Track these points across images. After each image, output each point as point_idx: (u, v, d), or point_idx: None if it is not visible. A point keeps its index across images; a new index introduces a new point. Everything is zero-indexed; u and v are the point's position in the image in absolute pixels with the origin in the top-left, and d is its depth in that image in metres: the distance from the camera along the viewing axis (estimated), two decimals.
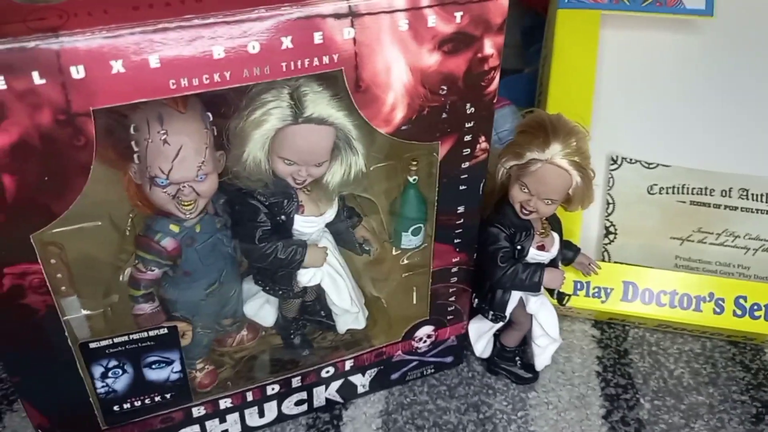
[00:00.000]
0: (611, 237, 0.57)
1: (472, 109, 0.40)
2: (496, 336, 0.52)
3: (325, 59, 0.35)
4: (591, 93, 0.58)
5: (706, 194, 0.58)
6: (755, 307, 0.52)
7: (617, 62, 0.59)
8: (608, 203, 0.58)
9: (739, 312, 0.52)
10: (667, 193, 0.58)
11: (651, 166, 0.58)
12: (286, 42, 0.33)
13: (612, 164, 0.59)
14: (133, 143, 0.36)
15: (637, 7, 0.57)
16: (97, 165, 0.33)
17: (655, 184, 0.58)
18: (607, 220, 0.58)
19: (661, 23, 0.58)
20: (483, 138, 0.41)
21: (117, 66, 0.31)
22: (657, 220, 0.58)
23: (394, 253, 0.48)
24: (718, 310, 0.53)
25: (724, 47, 0.58)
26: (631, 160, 0.59)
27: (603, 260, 0.56)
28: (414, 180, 0.44)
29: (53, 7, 0.31)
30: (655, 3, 0.57)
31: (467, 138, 0.41)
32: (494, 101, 0.40)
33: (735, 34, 0.58)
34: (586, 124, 0.57)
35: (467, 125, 0.40)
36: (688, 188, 0.58)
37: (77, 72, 0.30)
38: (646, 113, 0.59)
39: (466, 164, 0.42)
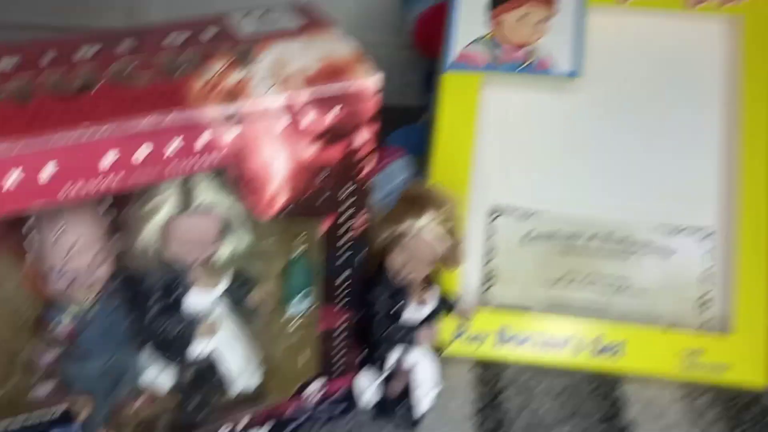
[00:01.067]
0: (491, 282, 0.63)
1: (349, 190, 0.44)
2: (383, 384, 0.57)
3: (210, 158, 0.38)
4: (471, 150, 0.63)
5: (575, 239, 0.65)
6: (610, 346, 0.59)
7: (497, 121, 0.65)
8: (488, 251, 0.64)
9: (596, 350, 0.59)
10: (541, 239, 0.65)
11: (528, 215, 0.65)
12: (173, 146, 0.36)
13: (492, 214, 0.64)
14: (28, 238, 0.38)
15: (513, 70, 0.63)
16: None
17: (531, 232, 0.64)
18: (487, 266, 0.63)
19: (535, 85, 0.64)
20: (361, 213, 0.46)
21: (11, 179, 0.33)
22: (532, 265, 0.64)
23: (284, 317, 0.51)
24: (579, 349, 0.59)
25: (590, 106, 0.65)
26: (509, 209, 0.65)
27: (483, 305, 0.62)
28: (299, 252, 0.48)
29: None
30: (529, 67, 0.63)
31: (346, 215, 0.45)
32: (369, 182, 0.44)
33: (599, 94, 0.65)
34: (467, 179, 0.64)
35: (345, 204, 0.44)
36: (559, 234, 0.65)
37: None
38: (523, 167, 0.65)
39: (347, 237, 0.46)
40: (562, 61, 0.63)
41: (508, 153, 0.65)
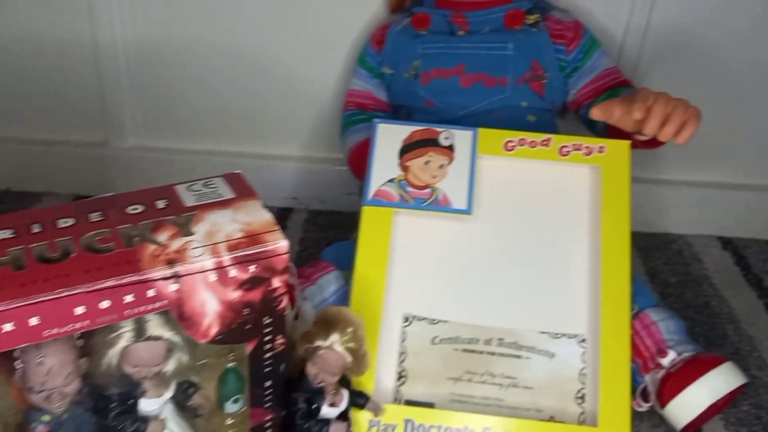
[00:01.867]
0: (403, 380, 0.76)
1: (269, 320, 0.57)
2: None
3: (158, 304, 0.51)
4: (386, 267, 0.77)
5: (473, 343, 0.77)
6: None
7: (407, 244, 0.78)
8: (401, 353, 0.76)
9: None
10: (445, 343, 0.77)
11: (434, 322, 0.78)
12: (129, 298, 0.50)
13: (405, 321, 0.77)
14: (17, 362, 0.51)
15: (419, 206, 0.78)
16: None
17: (437, 336, 0.77)
18: (400, 366, 0.76)
19: (438, 215, 0.78)
20: (279, 336, 0.59)
21: (7, 327, 0.46)
22: (438, 364, 0.76)
23: (221, 415, 0.63)
24: None
25: (482, 232, 0.79)
26: (419, 317, 0.77)
27: (396, 400, 0.74)
28: (232, 365, 0.61)
29: None
30: (432, 203, 0.78)
31: (267, 338, 0.58)
32: (284, 314, 0.58)
33: (489, 222, 0.79)
34: (381, 292, 0.77)
35: (266, 330, 0.57)
36: (461, 338, 0.77)
37: None
38: (431, 281, 0.78)
39: (269, 355, 0.59)
40: (458, 199, 0.77)
41: (416, 270, 0.78)
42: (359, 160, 0.88)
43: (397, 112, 0.95)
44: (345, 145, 0.95)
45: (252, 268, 0.54)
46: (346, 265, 0.84)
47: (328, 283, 0.81)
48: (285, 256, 0.55)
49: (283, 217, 1.13)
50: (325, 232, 1.09)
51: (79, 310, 0.48)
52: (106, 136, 1.11)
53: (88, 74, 1.06)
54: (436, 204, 0.78)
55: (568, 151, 0.80)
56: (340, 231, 1.10)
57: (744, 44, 1.02)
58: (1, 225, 0.52)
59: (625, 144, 0.79)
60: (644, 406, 0.77)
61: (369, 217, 0.78)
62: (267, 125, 1.11)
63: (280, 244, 0.54)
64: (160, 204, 0.56)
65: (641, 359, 0.77)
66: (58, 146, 1.11)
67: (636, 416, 0.76)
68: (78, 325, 0.49)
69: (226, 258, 0.52)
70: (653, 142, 0.79)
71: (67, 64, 1.06)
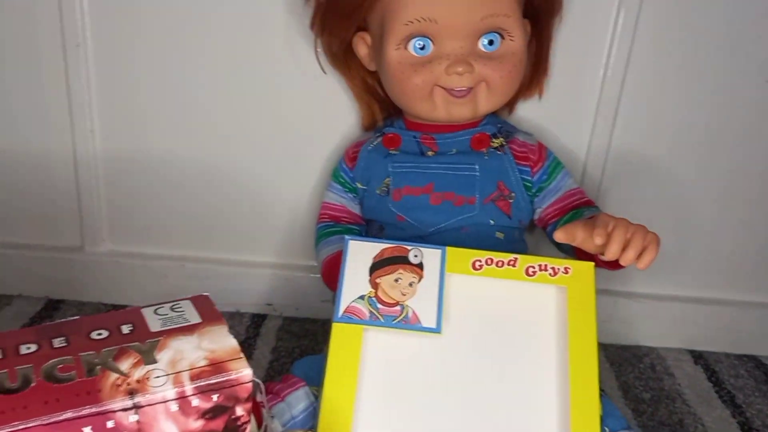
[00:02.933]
0: None
1: None
2: None
3: None
4: (355, 382, 0.76)
5: None
6: None
7: (376, 359, 0.78)
8: None
9: None
10: None
11: None
12: (87, 430, 0.49)
13: None
14: None
15: (389, 323, 0.78)
16: None
17: None
18: None
19: (406, 332, 0.79)
20: None
21: None
22: None
23: None
24: None
25: (451, 349, 0.79)
26: None
27: None
28: None
29: None
30: (402, 321, 0.78)
31: None
32: None
33: (457, 339, 0.79)
34: (351, 409, 0.76)
35: None
36: None
37: None
38: (399, 396, 0.77)
39: None
40: (427, 317, 0.78)
41: (387, 388, 0.78)
42: (332, 273, 0.89)
43: (369, 226, 0.97)
44: (319, 257, 0.97)
45: (215, 398, 0.54)
46: (316, 381, 0.83)
47: (297, 400, 0.80)
48: (248, 384, 0.55)
49: (256, 324, 1.12)
50: (299, 341, 1.09)
51: None
52: (82, 241, 1.11)
53: (67, 182, 1.08)
54: (406, 322, 0.79)
55: (535, 272, 0.81)
56: (314, 339, 1.10)
57: (704, 166, 1.07)
58: None
59: (590, 265, 0.82)
60: None
61: (339, 334, 0.78)
62: (241, 233, 1.12)
63: (243, 372, 0.55)
64: (125, 329, 0.56)
65: None
66: (33, 250, 1.12)
67: None
68: None
69: (189, 387, 0.52)
70: (616, 264, 0.81)
71: (46, 172, 1.08)
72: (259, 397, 0.76)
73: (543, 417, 0.77)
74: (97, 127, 1.06)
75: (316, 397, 0.81)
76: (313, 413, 0.79)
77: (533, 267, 0.82)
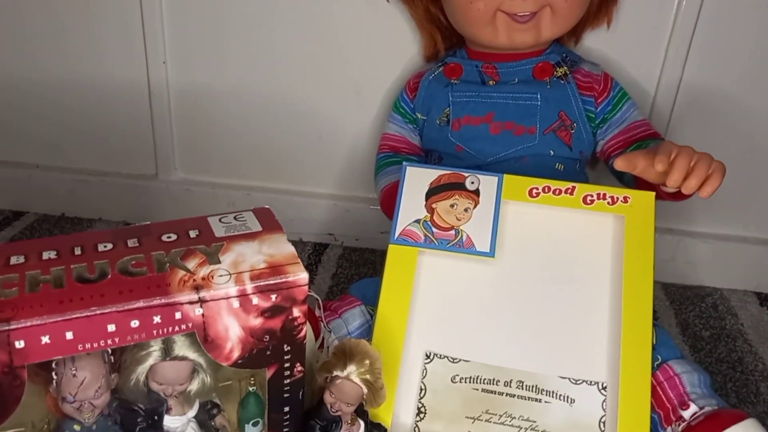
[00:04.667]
0: (422, 416, 0.77)
1: (288, 347, 0.60)
2: None
3: (183, 326, 0.55)
4: (409, 305, 0.79)
5: (493, 384, 0.78)
6: None
7: (431, 283, 0.81)
8: (421, 389, 0.78)
9: None
10: (466, 382, 0.78)
11: (455, 360, 0.79)
12: (157, 319, 0.53)
13: (426, 359, 0.79)
14: (53, 374, 0.55)
15: (444, 247, 0.80)
16: (27, 387, 0.51)
17: (458, 375, 0.78)
18: (420, 402, 0.77)
19: (462, 257, 0.80)
20: (298, 364, 0.61)
21: (45, 339, 0.50)
22: (457, 403, 0.77)
23: None
24: None
25: (505, 275, 0.80)
26: (440, 355, 0.79)
27: None
28: (253, 389, 0.63)
29: (9, 302, 0.50)
30: (456, 245, 0.80)
31: (286, 365, 0.61)
32: (303, 343, 0.60)
33: (511, 266, 0.81)
34: (404, 329, 0.79)
35: (286, 357, 0.60)
36: (481, 379, 0.78)
37: (19, 344, 0.49)
38: (452, 321, 0.80)
39: (287, 381, 0.62)
40: (481, 242, 0.79)
41: (439, 309, 0.80)
42: (390, 201, 0.91)
43: (428, 157, 0.98)
44: (378, 186, 0.99)
45: (273, 297, 0.57)
46: (371, 301, 0.86)
47: (353, 317, 0.84)
48: (304, 287, 0.58)
49: (318, 252, 1.17)
50: (358, 269, 1.12)
51: (111, 328, 0.52)
52: (156, 169, 1.17)
53: (142, 112, 1.14)
54: (460, 246, 0.80)
55: (592, 200, 0.81)
56: (372, 268, 1.13)
57: None
58: (47, 246, 0.57)
59: (650, 195, 0.80)
60: None
61: (395, 256, 0.81)
62: (304, 164, 1.15)
63: (300, 275, 0.58)
64: (192, 234, 0.60)
65: (662, 411, 0.77)
66: (111, 177, 1.19)
67: None
68: (109, 342, 0.52)
69: (249, 286, 0.56)
70: (678, 195, 0.79)
71: (122, 103, 1.14)
72: (317, 313, 0.80)
73: (594, 345, 0.78)
74: (170, 58, 1.11)
75: (372, 315, 0.85)
76: (368, 330, 0.82)
77: (591, 195, 0.81)
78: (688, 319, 1.05)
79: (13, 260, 0.55)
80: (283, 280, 0.57)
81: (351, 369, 0.64)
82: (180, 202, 1.18)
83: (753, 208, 1.09)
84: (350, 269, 1.12)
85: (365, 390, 0.64)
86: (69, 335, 0.51)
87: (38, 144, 1.20)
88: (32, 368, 0.52)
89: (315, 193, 1.16)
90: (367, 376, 0.64)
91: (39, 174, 1.20)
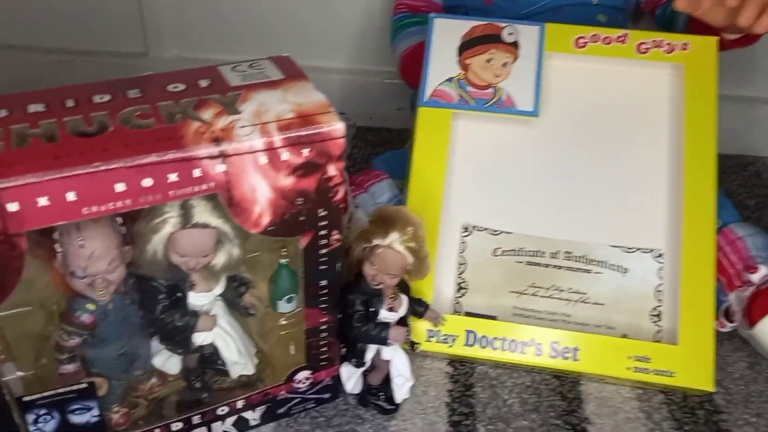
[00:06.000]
0: (462, 292, 0.71)
1: (324, 212, 0.52)
2: (364, 375, 0.65)
3: (204, 186, 0.47)
4: (444, 174, 0.71)
5: (538, 256, 0.72)
6: (565, 350, 0.66)
7: (467, 149, 0.73)
8: (460, 264, 0.71)
9: (553, 354, 0.66)
10: (508, 255, 0.72)
11: (496, 232, 0.72)
12: (173, 177, 0.45)
13: (464, 231, 0.72)
14: (57, 245, 0.47)
15: (481, 107, 0.71)
16: (28, 261, 0.44)
17: (499, 248, 0.72)
18: (460, 277, 0.71)
19: (500, 119, 0.72)
20: (335, 231, 0.54)
21: (43, 201, 0.42)
22: (500, 277, 0.71)
23: (274, 315, 0.60)
24: (537, 352, 0.67)
25: (549, 138, 0.73)
26: (479, 228, 0.72)
27: (455, 311, 0.70)
28: (285, 261, 0.57)
29: None
30: (495, 104, 0.71)
31: (322, 233, 0.53)
32: (341, 206, 0.53)
33: (556, 128, 0.72)
34: (440, 200, 0.71)
35: (321, 224, 0.53)
36: (524, 251, 0.72)
37: (13, 206, 0.42)
38: (492, 190, 0.73)
39: (324, 251, 0.54)
40: (524, 100, 0.71)
41: (477, 178, 0.73)
42: (412, 66, 0.82)
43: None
44: (396, 51, 0.89)
45: (305, 152, 0.49)
46: (398, 175, 0.79)
47: (381, 191, 0.77)
48: (341, 140, 0.50)
49: None
50: (374, 148, 1.04)
51: (120, 187, 0.44)
52: (146, 47, 1.06)
53: None
54: (500, 105, 0.71)
55: (648, 48, 0.72)
56: (390, 147, 1.04)
57: None
58: (34, 99, 0.48)
59: (713, 40, 0.71)
60: (728, 326, 0.71)
61: (426, 119, 0.72)
62: (312, 36, 1.04)
63: (335, 126, 0.49)
64: (203, 83, 0.51)
65: (725, 277, 0.71)
66: (98, 56, 1.08)
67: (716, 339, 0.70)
68: (119, 204, 0.44)
69: (277, 138, 0.47)
70: (744, 40, 0.70)
71: None
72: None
73: (649, 211, 0.71)
74: None
75: (401, 190, 0.77)
76: (398, 205, 0.74)
77: (646, 43, 0.72)
78: (731, 188, 0.98)
79: None
80: (316, 131, 0.49)
81: (393, 237, 0.57)
82: None
83: None
84: (366, 149, 1.04)
85: (410, 259, 0.57)
86: (71, 196, 0.43)
87: (12, 23, 1.08)
88: (32, 237, 0.44)
89: (324, 67, 1.05)
90: (411, 244, 0.57)
91: (14, 55, 1.09)
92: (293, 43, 1.05)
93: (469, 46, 0.72)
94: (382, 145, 1.05)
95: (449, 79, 0.72)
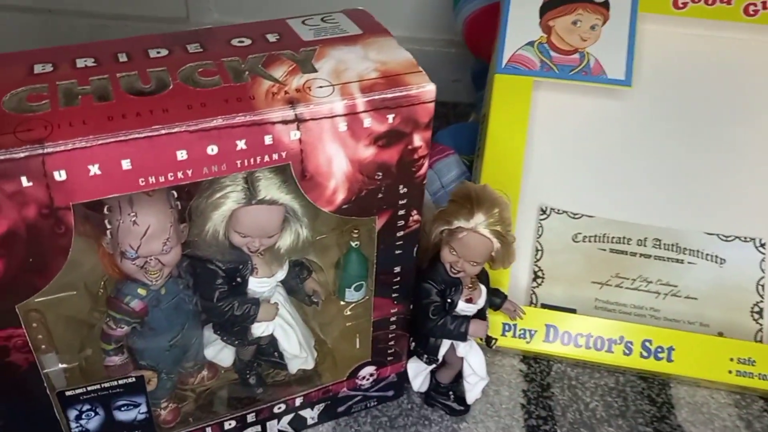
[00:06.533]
0: (539, 281, 0.64)
1: (405, 189, 0.46)
2: (432, 373, 0.59)
3: (275, 156, 0.40)
4: (523, 150, 0.64)
5: (624, 243, 0.65)
6: (659, 350, 0.59)
7: (547, 123, 0.66)
8: (537, 250, 0.65)
9: (645, 354, 0.59)
10: (589, 241, 0.65)
11: (576, 216, 0.65)
12: (241, 144, 0.39)
13: (541, 214, 0.65)
14: (106, 222, 0.41)
15: (565, 75, 0.64)
16: (74, 239, 0.38)
17: (580, 233, 0.65)
18: (536, 265, 0.64)
19: (586, 89, 0.65)
20: (415, 212, 0.47)
21: (94, 169, 0.36)
22: (580, 265, 0.64)
23: (339, 304, 0.53)
24: (627, 351, 0.60)
25: (641, 112, 0.65)
26: (558, 210, 0.65)
27: (531, 303, 0.63)
28: (356, 245, 0.50)
29: (39, 118, 0.36)
30: (581, 72, 0.64)
31: (401, 213, 0.47)
32: (424, 182, 0.46)
33: (650, 101, 0.65)
34: (517, 179, 0.64)
35: (401, 202, 0.46)
36: (608, 237, 0.65)
37: (60, 175, 0.35)
38: (573, 169, 0.66)
39: (401, 233, 0.48)
40: (614, 68, 0.63)
41: (558, 155, 0.66)
42: (479, 32, 0.75)
43: None
44: (459, 17, 0.81)
45: (390, 119, 0.42)
46: (467, 150, 0.72)
47: (448, 167, 0.70)
48: (430, 105, 0.43)
49: None
50: None
51: (181, 155, 0.38)
52: (188, 11, 1.00)
53: None
54: (587, 73, 0.64)
55: (757, 10, 0.64)
56: (445, 123, 0.97)
57: None
58: (82, 53, 0.41)
59: None
60: None
61: (503, 88, 0.65)
62: (360, 2, 0.97)
63: (426, 88, 0.42)
64: (271, 38, 0.44)
65: None
66: (134, 21, 1.02)
67: None
68: (179, 174, 0.38)
69: (360, 101, 0.41)
70: None
71: None
72: None
73: (751, 195, 0.64)
74: None
75: (469, 167, 0.70)
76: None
77: (755, 4, 0.64)
78: None
79: (38, 69, 0.40)
80: (404, 93, 0.42)
81: (479, 219, 0.50)
82: None
83: None
84: None
85: (496, 244, 0.51)
86: (125, 164, 0.36)
87: None
88: (80, 211, 0.38)
89: None
90: (498, 227, 0.50)
91: (53, 20, 1.03)
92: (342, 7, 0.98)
93: (552, 5, 0.65)
94: (437, 119, 0.96)
95: (530, 43, 0.65)
